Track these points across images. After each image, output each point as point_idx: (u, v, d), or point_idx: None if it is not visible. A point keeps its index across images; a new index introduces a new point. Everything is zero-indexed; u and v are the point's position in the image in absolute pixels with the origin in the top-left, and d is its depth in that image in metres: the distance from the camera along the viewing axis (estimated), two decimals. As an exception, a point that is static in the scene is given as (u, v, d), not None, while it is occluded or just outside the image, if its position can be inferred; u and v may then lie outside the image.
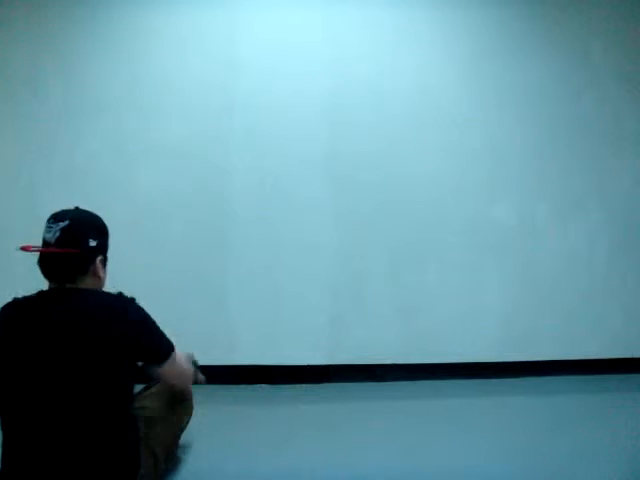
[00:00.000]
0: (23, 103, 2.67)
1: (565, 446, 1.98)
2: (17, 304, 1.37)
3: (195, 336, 2.65)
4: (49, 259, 1.36)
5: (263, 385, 2.65)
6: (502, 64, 2.87)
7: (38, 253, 1.37)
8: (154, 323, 1.44)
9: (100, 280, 1.44)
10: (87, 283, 1.38)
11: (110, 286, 1.45)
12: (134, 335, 1.34)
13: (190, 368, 1.64)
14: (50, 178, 2.64)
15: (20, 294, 1.60)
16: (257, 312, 2.70)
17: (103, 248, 1.45)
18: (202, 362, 2.63)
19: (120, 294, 1.40)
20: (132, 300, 1.41)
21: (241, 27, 2.73)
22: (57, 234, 1.35)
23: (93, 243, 1.40)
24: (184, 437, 1.98)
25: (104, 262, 1.45)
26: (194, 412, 2.24)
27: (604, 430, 2.14)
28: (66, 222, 1.36)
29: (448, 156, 2.83)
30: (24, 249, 1.34)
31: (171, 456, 1.73)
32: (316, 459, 1.86)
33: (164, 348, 1.46)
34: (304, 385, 2.64)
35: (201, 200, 2.70)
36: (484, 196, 2.85)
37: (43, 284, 1.66)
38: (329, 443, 1.99)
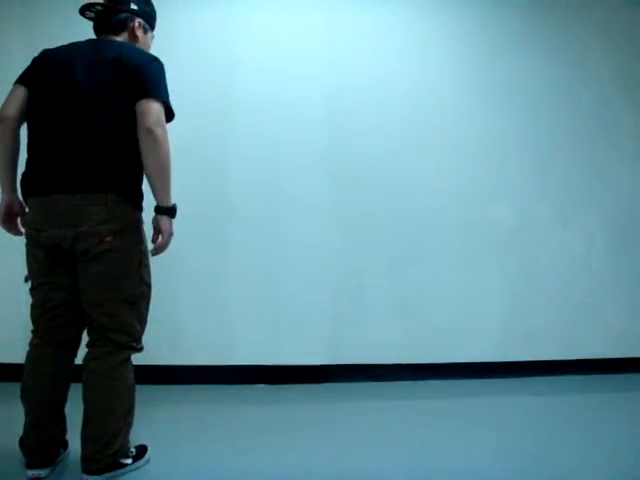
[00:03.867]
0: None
1: (567, 446, 1.98)
2: (67, 46, 1.69)
3: (195, 336, 2.66)
4: (100, 14, 1.72)
5: (263, 385, 2.65)
6: (502, 66, 2.88)
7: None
8: (161, 78, 1.63)
9: (139, 41, 1.76)
10: (125, 39, 1.71)
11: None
12: (137, 75, 1.57)
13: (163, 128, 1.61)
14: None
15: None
16: (257, 312, 2.70)
17: (144, 14, 1.79)
18: (202, 362, 2.65)
19: (150, 54, 1.69)
20: (157, 61, 1.66)
21: (239, 28, 2.73)
22: None
23: (134, 6, 1.75)
24: (184, 436, 1.99)
25: (144, 27, 1.79)
26: (197, 412, 2.26)
27: (606, 429, 2.14)
28: None
29: (449, 157, 2.83)
30: None
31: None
32: (316, 459, 1.86)
33: (154, 90, 1.58)
34: (304, 385, 2.64)
35: (200, 201, 2.68)
36: (485, 197, 2.85)
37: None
38: (329, 443, 1.99)
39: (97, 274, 1.57)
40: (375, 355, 2.75)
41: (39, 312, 1.65)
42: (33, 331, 1.68)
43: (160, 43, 2.69)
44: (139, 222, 1.66)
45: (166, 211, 1.63)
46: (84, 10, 1.74)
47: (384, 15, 2.80)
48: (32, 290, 1.66)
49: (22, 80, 1.65)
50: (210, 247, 2.69)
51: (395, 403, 2.45)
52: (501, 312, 2.85)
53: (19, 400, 1.64)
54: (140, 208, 1.67)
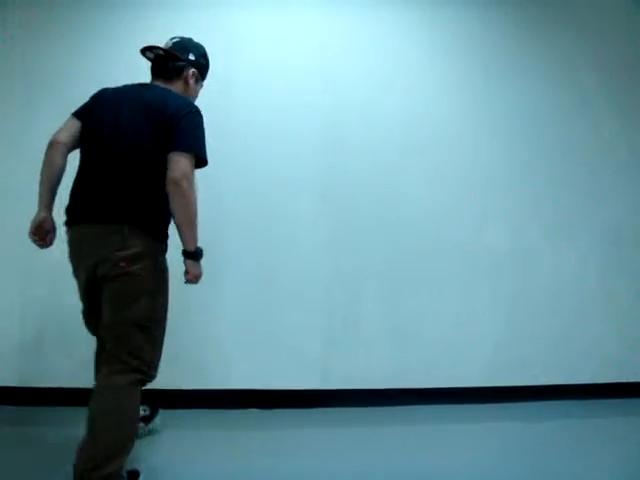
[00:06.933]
0: (19, 107, 2.68)
1: (558, 471, 1.98)
2: (123, 87, 1.84)
3: (188, 360, 2.65)
4: (159, 58, 1.89)
5: (256, 410, 2.64)
6: (495, 88, 2.96)
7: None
8: (195, 129, 1.75)
9: (189, 88, 1.93)
10: (177, 87, 1.88)
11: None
12: (170, 125, 1.70)
13: (190, 181, 1.73)
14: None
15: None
16: (250, 337, 2.70)
17: (199, 65, 1.96)
18: (195, 387, 2.65)
19: (190, 104, 1.80)
20: (194, 112, 1.77)
21: (236, 49, 2.79)
22: (169, 44, 1.92)
23: (192, 57, 1.94)
24: (178, 461, 1.98)
25: (196, 77, 1.96)
26: (190, 436, 2.25)
27: (598, 454, 2.15)
28: (177, 39, 1.94)
29: (442, 180, 2.88)
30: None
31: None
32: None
33: (184, 143, 1.70)
34: (297, 410, 2.63)
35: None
36: (477, 220, 2.89)
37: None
38: (321, 468, 1.98)
39: (111, 296, 1.68)
40: (368, 380, 2.74)
41: (90, 332, 1.90)
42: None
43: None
44: (157, 251, 1.76)
45: (190, 255, 1.79)
46: (145, 50, 1.92)
47: (379, 36, 2.88)
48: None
49: (77, 114, 1.83)
50: (204, 271, 2.70)
51: (388, 428, 2.44)
52: (494, 336, 2.87)
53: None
54: (159, 239, 1.78)
